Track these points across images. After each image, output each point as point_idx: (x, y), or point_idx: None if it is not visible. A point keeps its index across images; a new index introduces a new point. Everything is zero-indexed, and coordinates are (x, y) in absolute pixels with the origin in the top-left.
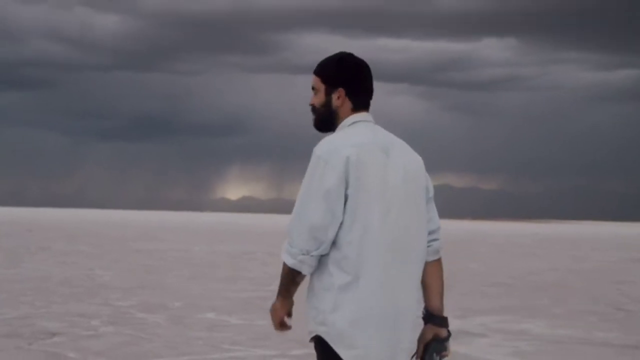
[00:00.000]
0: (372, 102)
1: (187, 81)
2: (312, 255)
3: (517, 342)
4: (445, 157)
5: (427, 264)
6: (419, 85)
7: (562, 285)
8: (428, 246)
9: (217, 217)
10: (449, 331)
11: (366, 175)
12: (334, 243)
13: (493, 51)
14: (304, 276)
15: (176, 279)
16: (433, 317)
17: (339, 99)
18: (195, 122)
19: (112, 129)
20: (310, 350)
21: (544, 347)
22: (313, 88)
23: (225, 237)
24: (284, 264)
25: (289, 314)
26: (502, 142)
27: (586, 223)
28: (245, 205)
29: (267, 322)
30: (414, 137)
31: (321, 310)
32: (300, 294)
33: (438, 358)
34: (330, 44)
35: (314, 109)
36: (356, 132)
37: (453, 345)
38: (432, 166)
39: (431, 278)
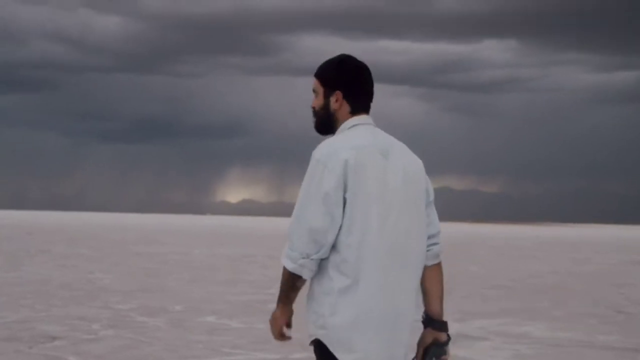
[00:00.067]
0: (373, 105)
1: (189, 83)
2: (312, 259)
3: (517, 345)
4: (445, 160)
5: (426, 268)
6: (419, 87)
7: (563, 288)
8: (428, 250)
9: (217, 220)
10: (448, 335)
11: (365, 178)
12: (333, 246)
13: (493, 53)
14: (304, 281)
15: (176, 282)
16: (432, 321)
17: (337, 101)
18: (196, 124)
19: (113, 131)
20: (311, 354)
21: (545, 350)
22: (314, 91)
23: (226, 240)
24: (284, 269)
25: (289, 325)
26: (502, 143)
27: (586, 226)
28: (245, 208)
29: (267, 325)
30: (414, 140)
31: (321, 314)
32: (300, 299)
33: None
34: (330, 46)
35: (314, 111)
36: (356, 134)
37: (453, 349)
38: (432, 169)
39: (431, 282)
